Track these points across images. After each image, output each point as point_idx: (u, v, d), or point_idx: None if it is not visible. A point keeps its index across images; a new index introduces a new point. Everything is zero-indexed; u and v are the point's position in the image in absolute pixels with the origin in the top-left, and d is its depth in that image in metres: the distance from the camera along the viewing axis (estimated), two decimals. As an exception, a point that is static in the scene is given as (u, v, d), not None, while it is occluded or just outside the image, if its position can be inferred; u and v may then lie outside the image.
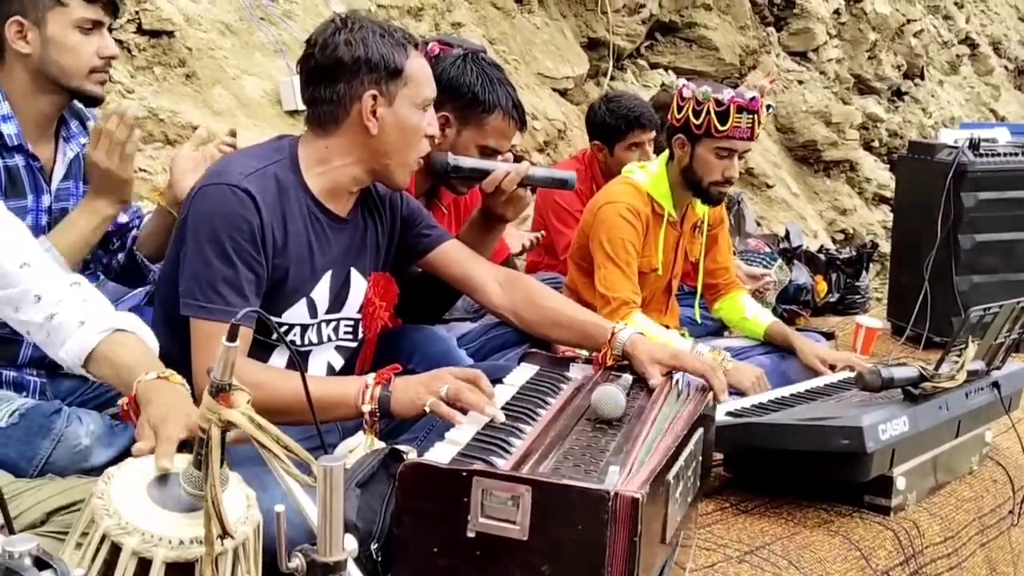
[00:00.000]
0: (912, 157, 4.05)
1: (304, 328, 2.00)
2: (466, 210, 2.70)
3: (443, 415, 1.77)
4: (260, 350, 1.92)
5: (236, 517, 1.25)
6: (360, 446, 1.84)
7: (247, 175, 1.87)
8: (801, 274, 4.33)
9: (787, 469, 2.25)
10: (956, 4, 9.75)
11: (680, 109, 2.91)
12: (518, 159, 2.64)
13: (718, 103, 2.82)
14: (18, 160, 2.06)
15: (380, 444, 1.82)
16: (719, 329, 3.51)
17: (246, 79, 4.33)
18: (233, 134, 2.31)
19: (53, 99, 2.09)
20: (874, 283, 5.28)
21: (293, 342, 1.97)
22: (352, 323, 2.08)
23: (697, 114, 2.86)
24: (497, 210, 2.31)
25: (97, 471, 1.61)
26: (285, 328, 1.96)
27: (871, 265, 4.90)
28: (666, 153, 3.04)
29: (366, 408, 1.81)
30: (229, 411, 1.18)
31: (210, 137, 2.32)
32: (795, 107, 7.34)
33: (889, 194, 7.13)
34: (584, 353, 2.15)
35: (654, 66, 6.81)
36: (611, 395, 1.77)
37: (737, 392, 2.71)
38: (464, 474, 1.44)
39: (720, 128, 2.83)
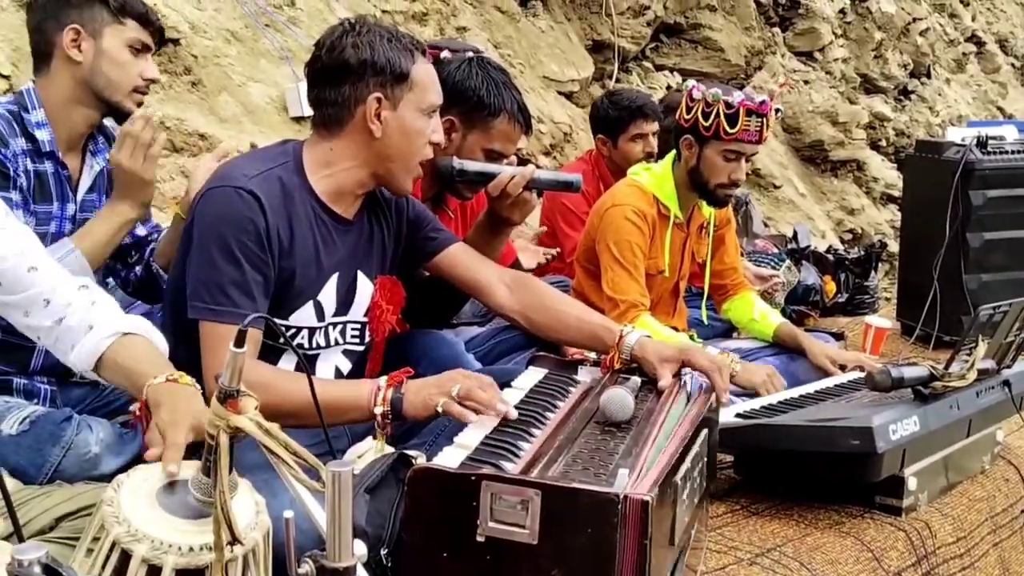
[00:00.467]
0: (919, 156, 4.04)
1: (312, 331, 1.99)
2: (473, 214, 2.70)
3: (455, 414, 1.77)
4: (269, 354, 1.92)
5: (245, 523, 1.25)
6: (369, 451, 1.84)
7: (252, 177, 1.87)
8: (810, 275, 4.31)
9: (798, 470, 2.24)
10: (962, 2, 9.74)
11: (689, 110, 2.89)
12: (524, 162, 2.64)
13: (728, 105, 2.81)
14: (48, 166, 2.11)
15: (389, 449, 1.82)
16: (727, 331, 3.50)
17: (252, 86, 4.33)
18: (254, 148, 2.34)
19: (88, 113, 2.16)
20: (883, 283, 5.27)
21: (301, 346, 1.98)
22: (359, 326, 2.08)
23: (706, 115, 2.85)
24: (503, 213, 2.31)
25: (106, 479, 1.61)
26: (293, 332, 1.96)
27: (880, 265, 4.88)
28: (672, 154, 3.04)
29: (378, 410, 1.82)
30: (238, 417, 1.18)
31: (232, 151, 2.38)
32: (801, 107, 7.32)
33: (897, 193, 7.12)
34: (592, 356, 2.15)
35: (659, 68, 6.80)
36: (620, 398, 1.76)
37: (749, 393, 2.71)
38: (473, 478, 1.43)
39: (729, 130, 2.82)
